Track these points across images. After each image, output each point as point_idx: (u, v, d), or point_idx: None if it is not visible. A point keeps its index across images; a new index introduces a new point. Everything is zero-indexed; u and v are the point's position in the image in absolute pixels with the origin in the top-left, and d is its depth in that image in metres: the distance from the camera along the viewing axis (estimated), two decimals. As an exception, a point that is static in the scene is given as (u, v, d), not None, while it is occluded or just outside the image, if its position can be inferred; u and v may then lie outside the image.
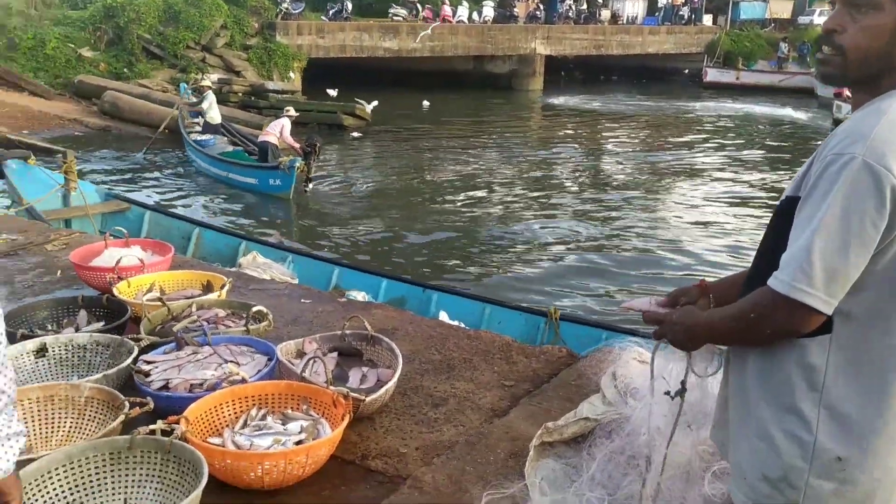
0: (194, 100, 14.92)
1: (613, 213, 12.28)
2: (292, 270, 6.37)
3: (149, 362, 2.94)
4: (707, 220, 12.19)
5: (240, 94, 19.87)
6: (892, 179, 1.40)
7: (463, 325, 5.50)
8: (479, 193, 13.41)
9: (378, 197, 13.11)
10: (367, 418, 2.89)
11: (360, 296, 6.14)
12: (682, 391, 1.94)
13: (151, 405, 2.55)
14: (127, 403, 2.55)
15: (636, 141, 20.23)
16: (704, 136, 20.71)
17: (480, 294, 6.36)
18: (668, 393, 1.99)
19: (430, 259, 9.60)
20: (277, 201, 12.30)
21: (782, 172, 15.85)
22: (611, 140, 20.11)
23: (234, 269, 5.47)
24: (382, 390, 2.78)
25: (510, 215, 12.01)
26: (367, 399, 2.71)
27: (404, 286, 6.31)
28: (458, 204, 12.65)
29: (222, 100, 18.64)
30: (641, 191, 14.15)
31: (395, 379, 2.85)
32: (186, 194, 12.98)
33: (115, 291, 3.62)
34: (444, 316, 5.83)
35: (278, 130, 12.90)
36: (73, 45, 21.07)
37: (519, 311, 5.96)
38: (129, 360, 2.88)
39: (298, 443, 2.55)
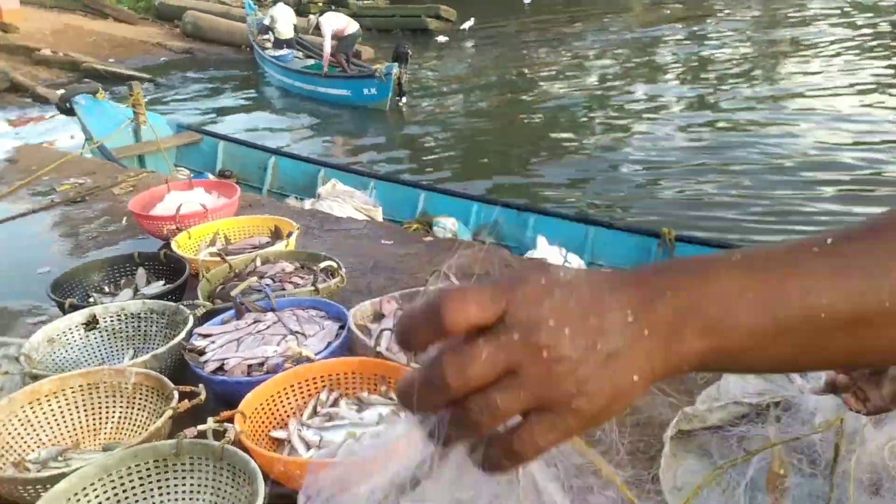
0: (261, 15, 14.39)
1: (737, 114, 10.93)
2: (375, 198, 5.93)
3: (204, 335, 2.54)
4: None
5: (320, 4, 19.31)
6: None
7: (566, 258, 4.97)
8: (583, 100, 12.39)
9: (473, 110, 12.35)
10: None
11: (449, 222, 5.67)
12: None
13: (203, 396, 2.15)
14: (176, 394, 2.17)
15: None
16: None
17: (582, 215, 5.74)
18: None
19: (530, 178, 8.91)
20: (372, 116, 11.74)
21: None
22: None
23: (308, 206, 5.06)
24: (475, 365, 2.28)
25: (618, 125, 11.00)
26: (457, 378, 2.23)
27: (497, 209, 5.78)
28: (559, 115, 11.75)
29: (302, 11, 18.11)
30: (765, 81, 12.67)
31: (489, 350, 2.35)
32: (269, 117, 12.64)
33: (173, 245, 3.24)
34: (542, 241, 5.29)
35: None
36: (150, -34, 20.87)
37: (627, 233, 5.34)
38: (182, 336, 2.49)
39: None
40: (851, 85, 11.49)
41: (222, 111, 13.03)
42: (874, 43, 14.31)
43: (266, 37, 14.28)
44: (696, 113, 10.80)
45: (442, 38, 17.91)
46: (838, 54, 13.53)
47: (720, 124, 10.20)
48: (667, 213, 7.24)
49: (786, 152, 8.77)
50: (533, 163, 9.24)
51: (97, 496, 1.89)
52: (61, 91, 7.71)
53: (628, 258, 5.27)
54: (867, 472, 1.77)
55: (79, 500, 1.87)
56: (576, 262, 5.03)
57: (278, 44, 13.99)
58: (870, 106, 10.30)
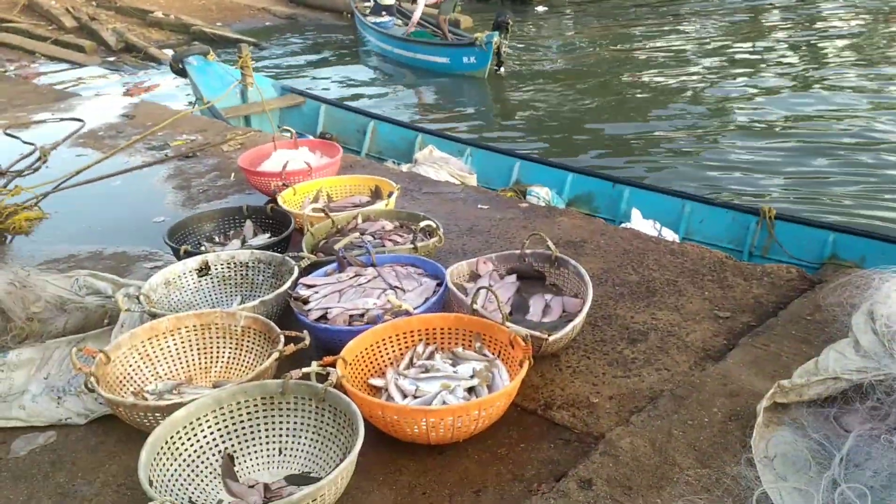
0: None
1: (844, 83, 10.30)
2: (470, 165, 5.97)
3: (309, 286, 2.67)
4: None
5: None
6: None
7: (661, 232, 4.89)
8: (682, 69, 11.92)
9: (570, 80, 12.08)
10: (552, 355, 2.47)
11: (542, 191, 5.66)
12: None
13: (307, 342, 2.27)
14: (282, 338, 2.29)
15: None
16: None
17: (679, 189, 5.60)
18: None
19: (625, 148, 8.69)
20: (470, 84, 11.73)
21: None
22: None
23: (405, 170, 5.13)
24: (568, 328, 2.32)
25: (719, 98, 10.50)
26: (550, 339, 2.27)
27: (592, 181, 5.71)
28: (659, 84, 11.35)
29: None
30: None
31: (583, 314, 2.38)
32: (367, 82, 12.81)
33: (279, 200, 3.38)
34: (636, 214, 5.22)
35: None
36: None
37: (725, 209, 5.20)
38: (288, 284, 2.62)
39: (470, 389, 2.19)
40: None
41: (322, 75, 13.28)
42: None
43: (367, 3, 14.45)
44: (800, 83, 10.29)
45: (541, 8, 17.69)
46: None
47: (823, 96, 9.70)
48: (763, 187, 6.99)
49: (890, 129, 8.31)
50: (629, 134, 9.01)
51: (209, 427, 2.04)
52: (174, 52, 8.03)
53: (725, 235, 5.14)
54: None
55: (193, 429, 2.01)
56: (670, 236, 4.94)
57: (377, 10, 14.12)
58: None
